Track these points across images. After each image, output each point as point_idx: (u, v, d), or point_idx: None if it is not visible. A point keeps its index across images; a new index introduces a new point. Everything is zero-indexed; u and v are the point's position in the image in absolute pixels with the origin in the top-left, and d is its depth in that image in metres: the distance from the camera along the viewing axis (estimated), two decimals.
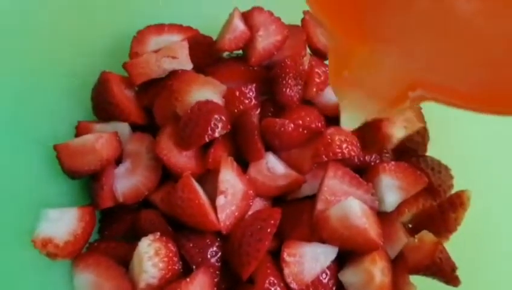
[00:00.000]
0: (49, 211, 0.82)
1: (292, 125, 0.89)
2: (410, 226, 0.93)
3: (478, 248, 0.93)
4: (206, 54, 0.99)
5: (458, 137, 1.00)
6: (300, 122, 0.91)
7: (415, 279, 0.86)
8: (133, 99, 0.94)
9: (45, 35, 0.91)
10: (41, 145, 0.87)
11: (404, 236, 0.89)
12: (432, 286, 0.86)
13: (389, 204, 0.90)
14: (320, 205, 0.86)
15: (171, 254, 0.82)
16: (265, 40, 0.96)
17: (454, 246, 0.88)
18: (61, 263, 0.83)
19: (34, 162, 0.86)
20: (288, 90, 0.92)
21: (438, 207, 0.90)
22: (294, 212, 0.89)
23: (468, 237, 0.90)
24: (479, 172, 0.96)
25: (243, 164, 0.91)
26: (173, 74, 0.92)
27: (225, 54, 1.02)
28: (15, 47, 0.87)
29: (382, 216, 0.90)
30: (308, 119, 0.93)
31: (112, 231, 0.92)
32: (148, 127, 0.94)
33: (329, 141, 0.89)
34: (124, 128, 0.92)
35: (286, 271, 0.83)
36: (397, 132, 0.93)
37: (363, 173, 0.92)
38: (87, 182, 0.91)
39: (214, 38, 1.00)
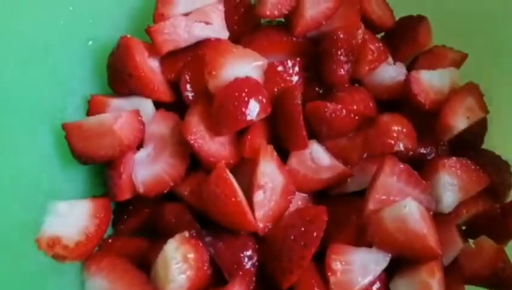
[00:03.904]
0: (57, 203, 0.72)
1: (345, 111, 0.79)
2: (463, 228, 0.85)
3: None
4: (242, 20, 0.88)
5: None
6: (355, 107, 0.80)
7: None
8: (158, 71, 0.83)
9: None
10: (48, 122, 0.76)
11: (460, 241, 0.82)
12: None
13: (447, 205, 0.81)
14: (371, 205, 0.78)
15: (201, 259, 0.74)
16: (314, 8, 0.84)
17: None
18: (69, 264, 0.73)
19: (39, 143, 0.76)
20: (339, 68, 0.82)
21: (500, 210, 0.82)
22: (340, 211, 0.81)
23: None
24: None
25: (280, 150, 0.81)
26: (206, 43, 0.83)
27: (263, 20, 0.91)
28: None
29: (437, 218, 0.81)
30: (362, 104, 0.82)
31: (128, 225, 0.84)
32: (173, 105, 0.84)
33: (385, 130, 0.80)
34: (146, 105, 0.81)
35: (332, 280, 0.75)
36: (459, 122, 0.83)
37: (417, 167, 0.82)
38: (100, 167, 0.81)
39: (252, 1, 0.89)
